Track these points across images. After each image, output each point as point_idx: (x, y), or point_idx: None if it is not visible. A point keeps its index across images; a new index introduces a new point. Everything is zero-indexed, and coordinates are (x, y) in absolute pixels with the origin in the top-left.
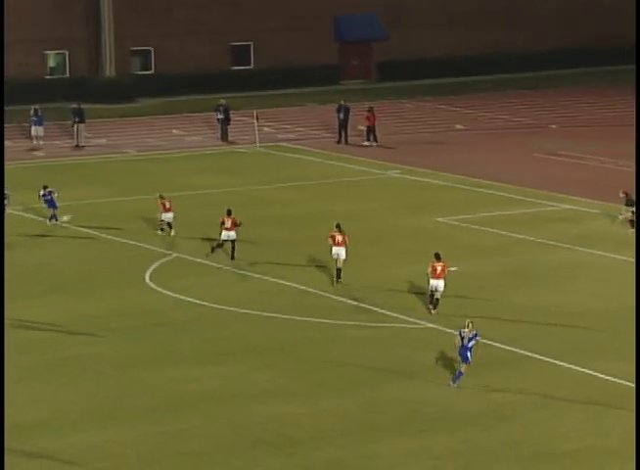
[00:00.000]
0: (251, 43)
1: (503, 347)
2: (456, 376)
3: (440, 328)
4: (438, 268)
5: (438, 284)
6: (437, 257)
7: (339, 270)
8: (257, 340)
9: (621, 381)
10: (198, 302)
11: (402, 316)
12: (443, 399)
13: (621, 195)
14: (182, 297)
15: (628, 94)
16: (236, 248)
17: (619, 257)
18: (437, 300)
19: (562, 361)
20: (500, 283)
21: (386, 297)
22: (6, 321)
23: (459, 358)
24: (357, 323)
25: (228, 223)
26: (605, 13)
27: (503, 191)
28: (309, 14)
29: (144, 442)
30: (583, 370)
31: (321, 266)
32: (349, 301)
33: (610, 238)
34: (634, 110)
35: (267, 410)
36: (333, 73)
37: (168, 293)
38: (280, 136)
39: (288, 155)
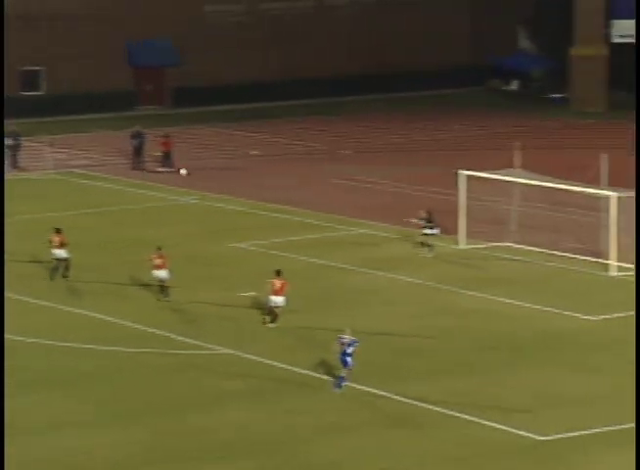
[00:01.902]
0: (42, 68)
1: (302, 371)
2: (338, 382)
3: (238, 353)
4: (278, 285)
5: (278, 300)
6: (278, 273)
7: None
8: (55, 370)
9: (416, 402)
10: None
11: (201, 343)
12: (243, 425)
13: (423, 215)
14: None
15: (419, 120)
16: (68, 267)
17: (416, 280)
18: (276, 315)
19: (360, 385)
20: (299, 307)
21: (184, 323)
22: None
23: (340, 364)
24: (155, 351)
25: (56, 241)
26: (396, 41)
27: (299, 216)
28: (102, 39)
29: None
30: (381, 393)
31: (122, 294)
32: (148, 328)
33: (406, 261)
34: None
35: (61, 441)
36: (127, 99)
37: None
38: (74, 162)
39: (82, 181)
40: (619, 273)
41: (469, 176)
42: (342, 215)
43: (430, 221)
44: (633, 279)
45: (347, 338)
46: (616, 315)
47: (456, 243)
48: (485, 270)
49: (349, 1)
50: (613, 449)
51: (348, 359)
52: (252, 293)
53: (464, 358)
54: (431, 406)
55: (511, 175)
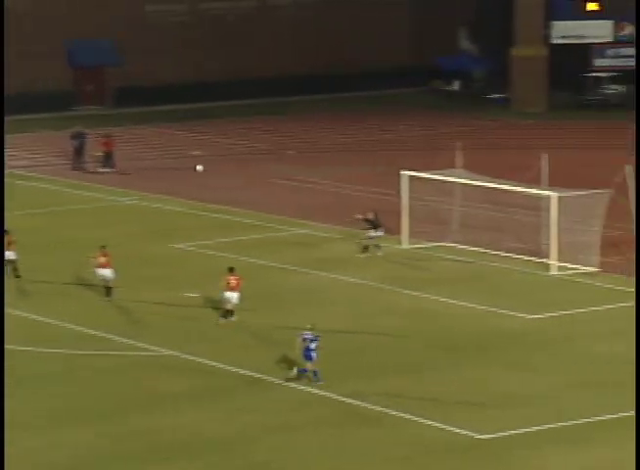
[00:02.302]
0: None
1: (247, 371)
2: (301, 371)
3: (182, 354)
4: (233, 282)
5: (233, 296)
6: (231, 270)
7: (230, 311)
8: None
9: (360, 402)
10: None
11: (144, 344)
12: (187, 426)
13: (370, 216)
14: None
15: (363, 120)
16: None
17: (358, 280)
18: (231, 311)
19: (305, 385)
20: (242, 307)
21: (127, 324)
22: None
23: (303, 359)
24: (98, 352)
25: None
26: (339, 41)
27: (241, 217)
28: (41, 38)
29: None
30: (326, 393)
31: (66, 295)
32: (91, 330)
33: (349, 261)
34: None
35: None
36: (68, 99)
37: None
38: (13, 163)
39: (21, 182)
40: (560, 273)
41: (411, 176)
42: (284, 216)
43: (375, 223)
44: (573, 279)
45: (310, 334)
46: (557, 314)
47: (399, 243)
48: (428, 270)
49: (292, 1)
50: (553, 447)
51: (313, 354)
52: (196, 293)
53: (407, 358)
54: (374, 406)
55: (453, 175)
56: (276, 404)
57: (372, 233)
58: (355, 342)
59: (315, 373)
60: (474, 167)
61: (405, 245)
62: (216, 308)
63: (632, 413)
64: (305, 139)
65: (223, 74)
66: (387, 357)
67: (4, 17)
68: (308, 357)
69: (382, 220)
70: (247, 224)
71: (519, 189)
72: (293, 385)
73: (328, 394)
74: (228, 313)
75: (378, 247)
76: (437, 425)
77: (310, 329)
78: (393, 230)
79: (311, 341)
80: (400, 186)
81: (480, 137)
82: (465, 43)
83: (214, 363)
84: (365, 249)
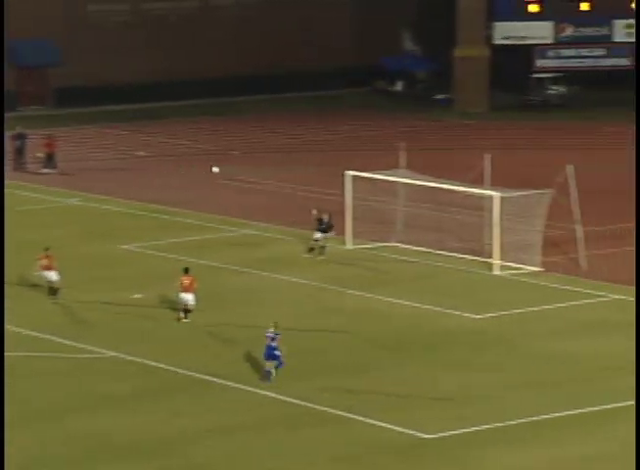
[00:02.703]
0: None
1: (189, 373)
2: (266, 375)
3: (125, 356)
4: (186, 282)
5: (188, 297)
6: (186, 271)
7: (187, 311)
8: None
9: (304, 402)
10: None
11: (88, 346)
12: (132, 428)
13: (324, 217)
14: None
15: (307, 121)
16: None
17: (302, 280)
18: (189, 310)
19: (248, 386)
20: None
21: (71, 325)
22: None
23: (265, 359)
24: (40, 355)
25: None
26: (283, 41)
27: (186, 217)
28: None
29: None
30: (270, 394)
31: (8, 297)
32: (32, 332)
33: (292, 261)
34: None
35: None
36: (9, 100)
37: None
38: None
39: None
40: (503, 272)
41: (355, 177)
42: (227, 216)
43: (327, 225)
44: (516, 278)
45: (272, 332)
46: (500, 314)
47: (343, 243)
48: (372, 270)
49: (235, 1)
50: (494, 447)
51: (277, 353)
52: (140, 294)
53: (352, 358)
54: (319, 406)
55: (396, 176)
56: (221, 405)
57: (318, 235)
58: (299, 342)
59: (268, 372)
60: (417, 168)
61: (349, 245)
62: (169, 308)
63: (572, 412)
64: (249, 139)
65: (167, 75)
66: (332, 358)
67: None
68: (271, 356)
69: (334, 223)
70: (191, 225)
71: (462, 189)
72: (239, 385)
73: (274, 394)
74: (188, 312)
75: (323, 249)
76: (383, 425)
77: (274, 327)
78: (338, 231)
79: (272, 339)
80: (344, 186)
81: (423, 137)
82: (408, 44)
83: (158, 364)
84: (311, 250)
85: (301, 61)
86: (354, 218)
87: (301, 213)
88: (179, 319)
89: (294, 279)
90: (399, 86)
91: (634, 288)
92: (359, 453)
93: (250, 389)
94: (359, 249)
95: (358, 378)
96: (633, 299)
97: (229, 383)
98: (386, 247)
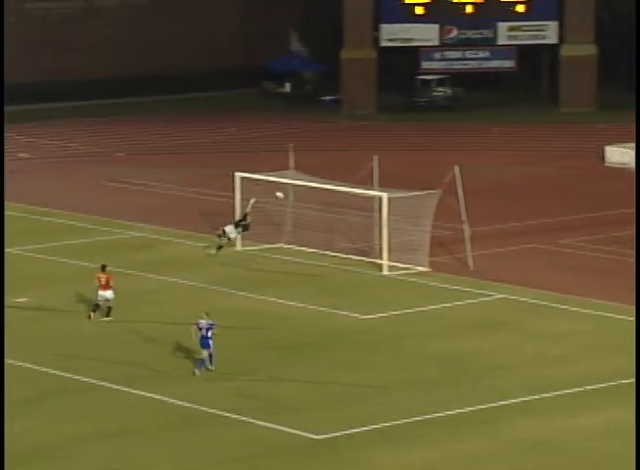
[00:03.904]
0: None
1: (79, 377)
2: (199, 364)
3: (13, 361)
4: (103, 279)
5: (106, 294)
6: (103, 268)
7: (108, 308)
8: None
9: (194, 404)
10: None
11: None
12: (19, 434)
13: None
14: None
15: (195, 122)
16: None
17: (190, 281)
18: (110, 308)
19: (137, 389)
20: (76, 310)
21: None
22: None
23: (200, 348)
24: None
25: None
26: (171, 42)
27: (73, 220)
28: None
29: None
30: (160, 396)
31: None
32: None
33: (180, 263)
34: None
35: None
36: None
37: None
38: None
39: None
40: (392, 272)
41: (244, 178)
42: (113, 218)
43: (248, 223)
44: (405, 278)
45: (204, 322)
46: (389, 314)
47: (233, 245)
48: (262, 272)
49: (120, 2)
50: (384, 446)
51: (210, 342)
52: (25, 298)
53: (241, 359)
54: (209, 408)
55: (285, 177)
56: (112, 409)
57: (233, 234)
58: (190, 343)
59: (202, 361)
60: (306, 169)
61: (239, 247)
62: (55, 311)
63: (459, 411)
64: (136, 141)
65: (51, 76)
66: (221, 358)
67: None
68: (205, 345)
69: (248, 226)
70: (80, 227)
71: (350, 190)
72: (125, 389)
73: (163, 397)
74: (109, 311)
75: (218, 248)
76: (274, 426)
77: (206, 316)
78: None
79: (207, 329)
80: (233, 187)
81: (311, 139)
82: (295, 45)
83: (47, 370)
84: (220, 248)
85: (190, 62)
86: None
87: (191, 215)
88: (89, 317)
89: (182, 281)
90: (287, 87)
91: (521, 287)
92: (251, 455)
93: (139, 392)
94: (249, 250)
95: (248, 379)
96: (518, 297)
97: (119, 387)
98: (275, 248)
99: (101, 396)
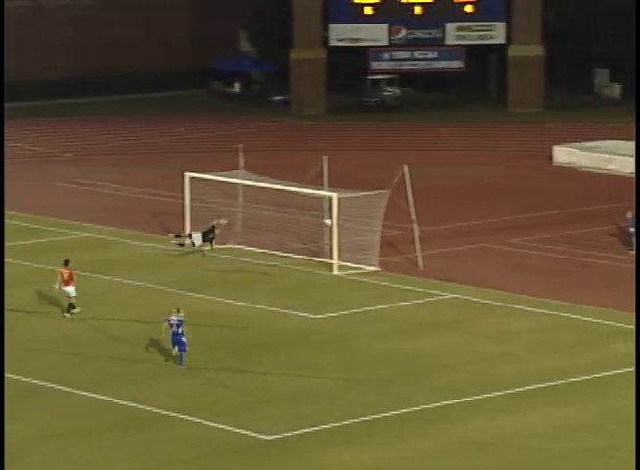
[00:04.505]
0: None
1: (22, 378)
2: (180, 359)
3: None
4: (65, 275)
5: (68, 290)
6: (65, 263)
7: (71, 304)
8: None
9: (139, 405)
10: None
11: None
12: None
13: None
14: None
15: (145, 122)
16: None
17: (136, 282)
18: (72, 304)
19: (81, 390)
20: (27, 310)
21: None
22: None
23: (172, 344)
24: None
25: None
26: (121, 42)
27: (19, 220)
28: None
29: None
30: (104, 397)
31: None
32: None
33: (129, 264)
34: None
35: None
36: None
37: None
38: None
39: None
40: (342, 272)
41: (193, 178)
42: (63, 219)
43: (214, 236)
44: (355, 278)
45: (175, 319)
46: (340, 313)
47: (182, 245)
48: (211, 272)
49: (71, 2)
50: (339, 445)
51: (183, 339)
52: None
53: (191, 359)
54: (155, 408)
55: (235, 177)
56: (56, 410)
57: (198, 241)
58: (137, 344)
59: (181, 356)
60: (255, 169)
61: (188, 247)
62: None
63: (408, 410)
64: (85, 141)
65: (4, 76)
66: (171, 360)
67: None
68: (179, 342)
69: (213, 240)
70: (26, 228)
71: (300, 190)
72: (69, 389)
73: (108, 398)
74: (70, 307)
75: (181, 245)
76: (222, 426)
77: (176, 312)
78: (178, 232)
79: (177, 326)
80: (183, 187)
81: (261, 139)
82: (244, 45)
83: None
84: (181, 245)
85: (140, 63)
86: (193, 220)
87: (140, 215)
88: (64, 316)
89: (130, 281)
90: (236, 88)
91: (471, 286)
92: (198, 456)
93: (82, 392)
94: (197, 250)
95: (197, 380)
96: (468, 297)
97: (63, 387)
98: (225, 248)
99: (45, 398)
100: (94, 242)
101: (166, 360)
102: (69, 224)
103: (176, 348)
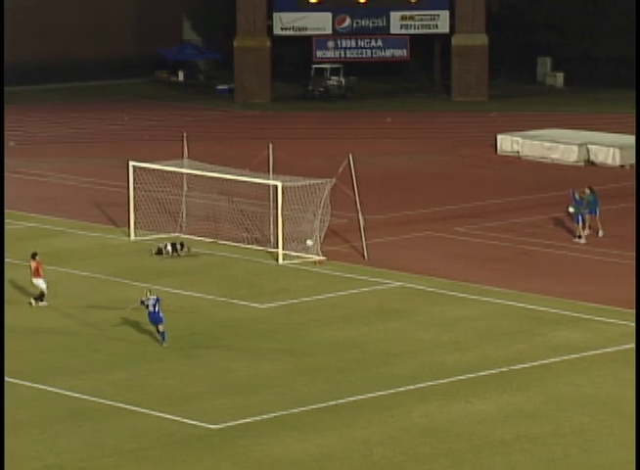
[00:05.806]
0: None
1: None
2: (162, 337)
3: None
4: (33, 266)
5: (39, 281)
6: (33, 256)
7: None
8: None
9: (86, 396)
10: None
11: None
12: None
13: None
14: None
15: (88, 111)
16: None
17: (82, 272)
18: (43, 294)
19: (28, 381)
20: None
21: None
22: None
23: (152, 324)
24: None
25: None
26: (63, 30)
27: None
28: None
29: None
30: (51, 388)
31: None
32: None
33: (75, 254)
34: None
35: None
36: None
37: None
38: None
39: None
40: (287, 261)
41: (138, 167)
42: (8, 209)
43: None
44: (300, 267)
45: (151, 299)
46: (285, 303)
47: (127, 235)
48: (156, 262)
49: None
50: (286, 434)
51: (161, 315)
52: None
53: (137, 350)
54: (100, 399)
55: (179, 166)
56: None
57: (169, 247)
58: (82, 336)
59: (163, 333)
60: (200, 158)
61: (133, 237)
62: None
63: (354, 398)
64: (28, 130)
65: None
66: (116, 350)
67: None
68: (158, 319)
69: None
70: None
71: (245, 179)
72: (15, 380)
73: (53, 389)
74: (41, 297)
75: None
76: (168, 416)
77: (149, 293)
78: (120, 222)
79: (154, 305)
80: (128, 177)
81: (205, 127)
82: (189, 33)
83: None
84: (159, 250)
85: (83, 50)
86: (138, 210)
87: (85, 205)
88: (30, 304)
89: (75, 271)
90: (180, 76)
91: (416, 275)
92: (144, 446)
93: (28, 383)
94: (143, 240)
95: (142, 370)
96: (413, 285)
97: (7, 378)
98: (169, 238)
99: None
100: (39, 232)
101: (112, 352)
102: (15, 214)
103: (159, 326)
